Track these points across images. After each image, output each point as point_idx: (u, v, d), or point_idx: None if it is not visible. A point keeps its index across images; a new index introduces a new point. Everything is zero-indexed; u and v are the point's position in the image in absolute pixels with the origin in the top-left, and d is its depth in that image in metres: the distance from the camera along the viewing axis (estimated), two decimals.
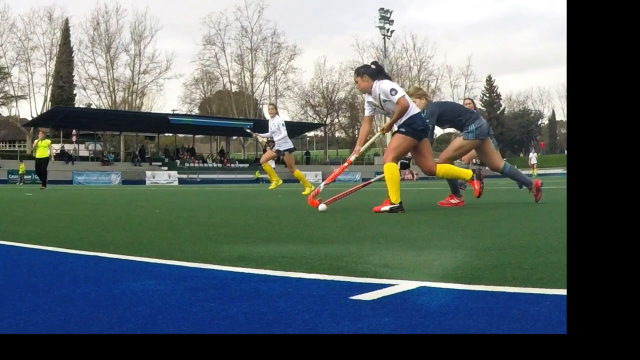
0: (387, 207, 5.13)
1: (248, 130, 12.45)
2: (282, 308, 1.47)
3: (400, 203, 5.18)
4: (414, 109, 5.43)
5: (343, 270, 2.01)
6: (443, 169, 5.57)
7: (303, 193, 10.57)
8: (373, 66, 5.56)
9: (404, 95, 5.31)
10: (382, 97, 5.39)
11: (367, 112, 5.67)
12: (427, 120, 5.65)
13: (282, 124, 10.94)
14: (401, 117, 5.35)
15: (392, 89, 5.33)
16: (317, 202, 5.39)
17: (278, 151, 11.00)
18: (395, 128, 5.56)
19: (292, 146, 11.14)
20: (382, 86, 5.36)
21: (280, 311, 1.44)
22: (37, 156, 17.03)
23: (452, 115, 6.02)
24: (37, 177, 17.83)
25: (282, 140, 10.85)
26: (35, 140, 17.78)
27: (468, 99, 8.86)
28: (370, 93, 5.46)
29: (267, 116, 12.80)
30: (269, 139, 11.20)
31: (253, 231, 3.64)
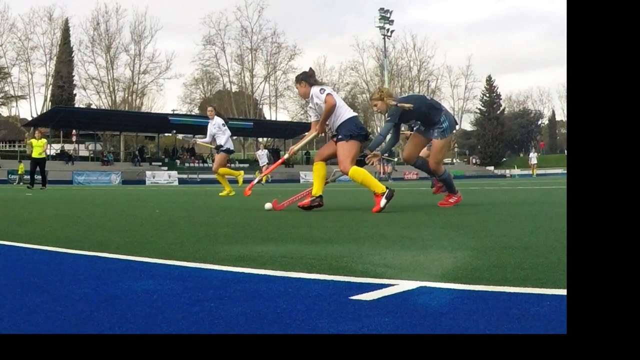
0: (383, 201, 5.15)
1: (180, 136, 12.13)
2: (282, 308, 1.47)
3: (387, 188, 5.25)
4: (347, 113, 5.57)
5: (343, 270, 2.01)
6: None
7: (239, 185, 11.00)
8: (309, 72, 5.82)
9: (331, 94, 5.49)
10: (316, 101, 5.60)
11: (312, 118, 5.89)
12: (389, 119, 5.64)
13: (224, 124, 10.77)
14: (330, 115, 5.53)
15: (321, 89, 5.55)
16: (249, 192, 6.35)
17: (221, 149, 10.73)
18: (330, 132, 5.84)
19: (232, 148, 10.98)
20: (313, 90, 5.60)
21: (280, 311, 1.44)
22: (33, 156, 16.86)
23: (417, 106, 5.75)
24: (32, 177, 17.61)
25: (225, 140, 10.68)
26: (31, 140, 17.57)
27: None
28: (310, 99, 5.71)
29: (266, 116, 12.68)
30: (213, 143, 10.90)
31: (253, 231, 3.64)
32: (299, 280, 1.86)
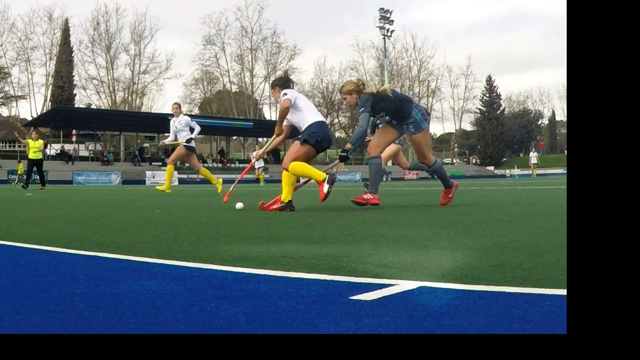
0: (325, 186, 5.40)
1: (146, 144, 12.22)
2: (283, 308, 1.47)
3: (327, 173, 5.51)
4: (312, 118, 5.65)
5: (343, 270, 2.01)
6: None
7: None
8: (283, 76, 6.01)
9: (288, 99, 5.60)
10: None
11: (284, 122, 5.94)
12: (362, 109, 5.62)
13: (191, 120, 10.81)
14: (283, 117, 5.70)
15: (283, 93, 5.66)
16: (226, 199, 6.72)
17: (188, 145, 10.70)
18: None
19: (195, 147, 11.04)
20: (280, 96, 5.70)
21: (281, 311, 1.44)
22: (30, 157, 16.83)
23: (388, 101, 5.73)
24: (33, 177, 17.58)
25: (195, 135, 10.68)
26: (28, 140, 17.53)
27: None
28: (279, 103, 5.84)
29: (266, 116, 12.74)
30: (182, 141, 10.81)
31: (253, 231, 3.64)
32: (299, 280, 1.86)
